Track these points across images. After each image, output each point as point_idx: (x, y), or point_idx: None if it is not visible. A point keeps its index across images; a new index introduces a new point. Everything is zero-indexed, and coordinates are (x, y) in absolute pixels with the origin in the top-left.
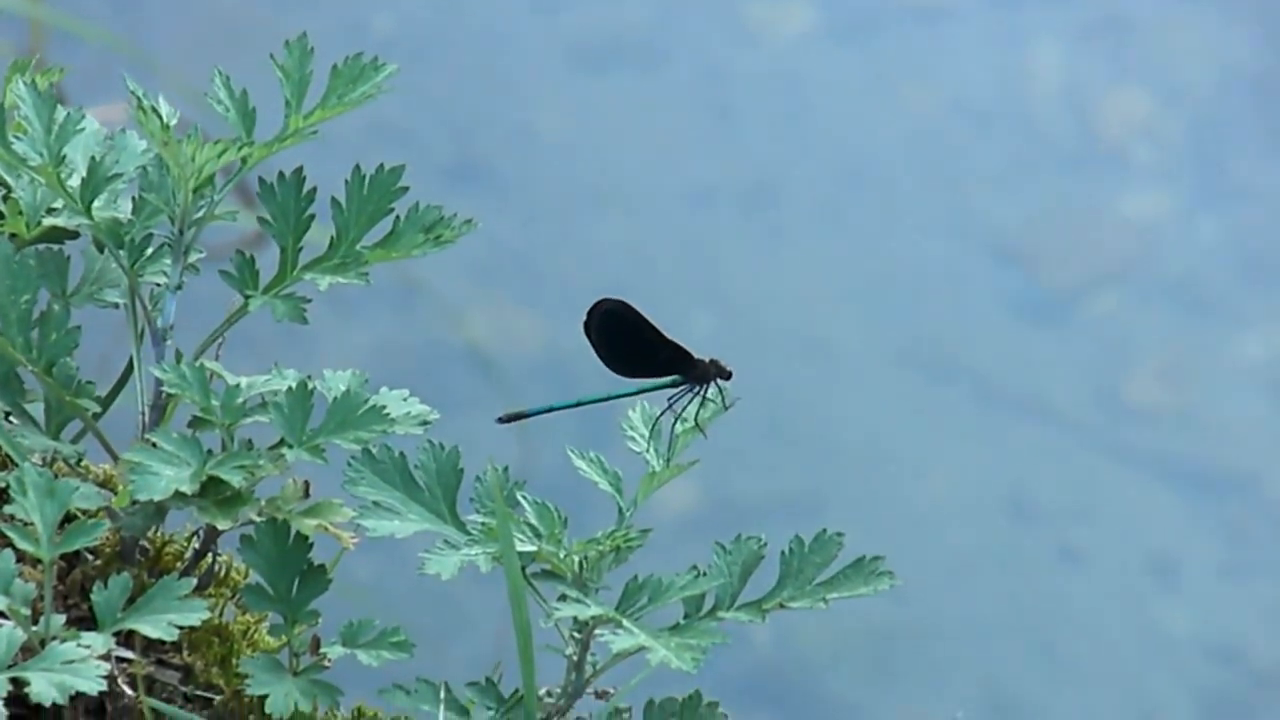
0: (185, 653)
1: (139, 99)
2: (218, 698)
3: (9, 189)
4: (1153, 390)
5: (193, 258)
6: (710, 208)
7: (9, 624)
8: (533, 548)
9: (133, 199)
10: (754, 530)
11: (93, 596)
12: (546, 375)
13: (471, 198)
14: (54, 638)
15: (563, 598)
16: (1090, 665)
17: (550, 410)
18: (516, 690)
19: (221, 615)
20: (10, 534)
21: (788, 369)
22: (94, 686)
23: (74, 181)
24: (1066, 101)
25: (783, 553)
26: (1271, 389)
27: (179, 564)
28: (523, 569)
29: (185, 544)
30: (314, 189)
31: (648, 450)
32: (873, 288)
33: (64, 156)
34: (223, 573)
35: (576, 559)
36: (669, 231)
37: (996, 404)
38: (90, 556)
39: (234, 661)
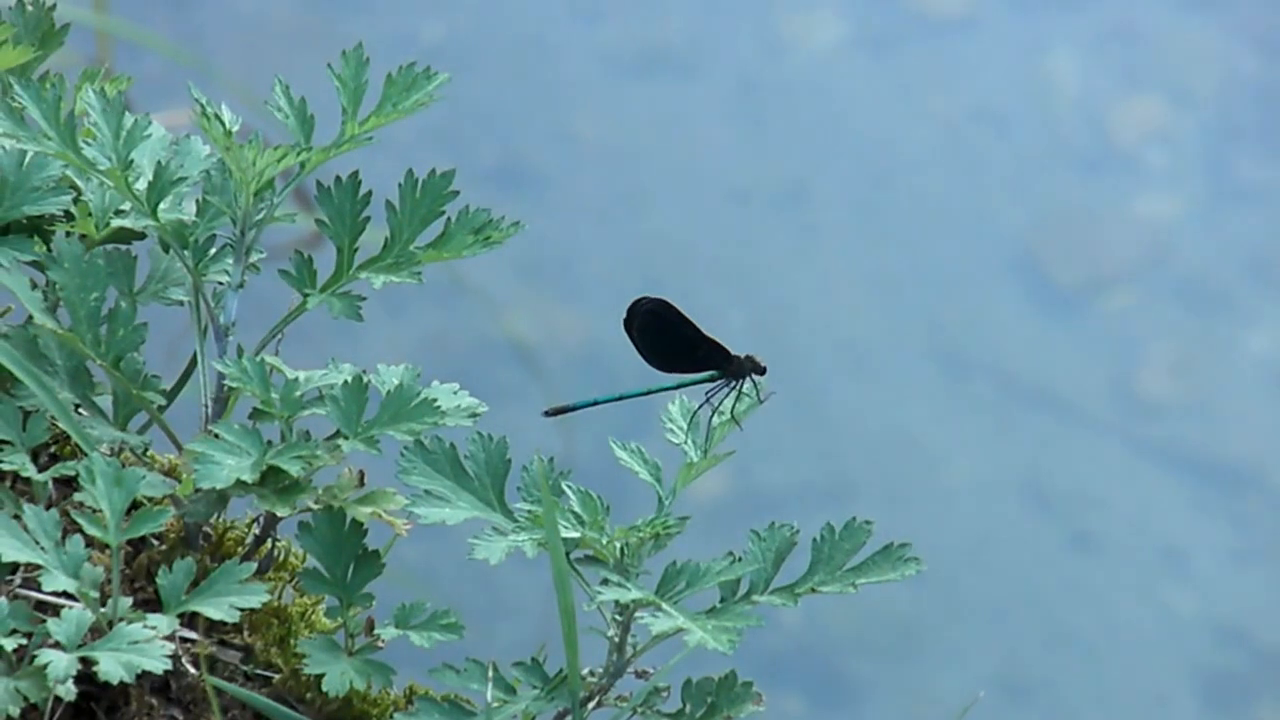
0: (246, 634)
1: (203, 106)
2: (276, 676)
3: (79, 192)
4: (1164, 384)
5: (253, 258)
6: (744, 209)
7: (79, 606)
8: (576, 534)
9: (196, 201)
10: (782, 517)
11: (158, 580)
12: (587, 369)
13: (515, 199)
14: (121, 619)
15: (605, 582)
16: (1102, 647)
17: (594, 404)
18: (560, 670)
19: (280, 598)
20: (80, 520)
21: (817, 362)
22: (159, 666)
23: (141, 185)
24: (1082, 108)
25: (814, 540)
26: (1277, 383)
27: (240, 549)
28: (567, 554)
29: (246, 530)
30: (369, 192)
31: (686, 442)
32: (898, 285)
33: (131, 161)
34: (281, 558)
35: (618, 545)
36: (705, 232)
37: (1015, 396)
38: (156, 542)
39: (292, 642)
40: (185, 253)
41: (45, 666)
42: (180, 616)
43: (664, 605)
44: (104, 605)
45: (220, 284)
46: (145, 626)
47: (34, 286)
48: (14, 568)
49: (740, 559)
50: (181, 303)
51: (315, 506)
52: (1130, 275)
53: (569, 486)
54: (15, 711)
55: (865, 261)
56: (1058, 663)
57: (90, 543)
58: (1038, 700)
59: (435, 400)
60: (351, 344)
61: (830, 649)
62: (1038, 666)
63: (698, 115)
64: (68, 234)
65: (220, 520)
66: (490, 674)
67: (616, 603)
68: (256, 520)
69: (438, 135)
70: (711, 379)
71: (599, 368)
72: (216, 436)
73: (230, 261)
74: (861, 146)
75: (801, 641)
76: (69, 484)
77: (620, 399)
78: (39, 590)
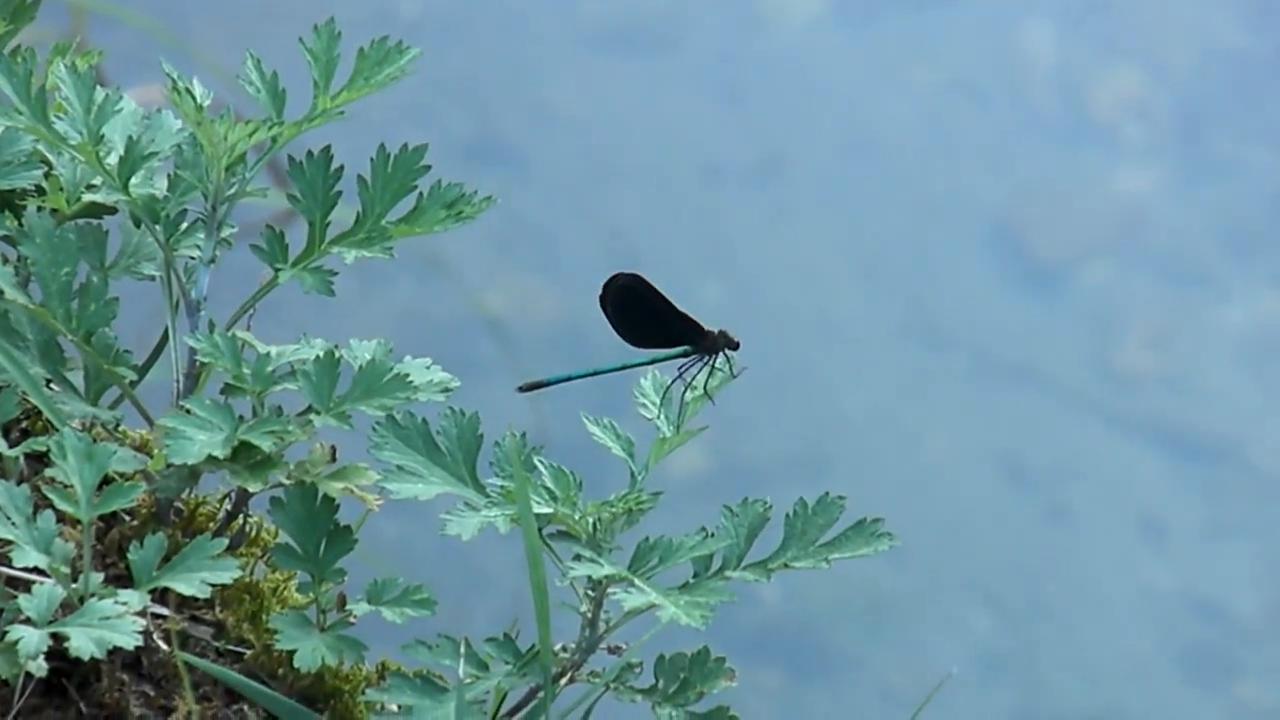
0: (218, 609)
1: (174, 81)
2: (248, 652)
3: (51, 167)
4: (1141, 358)
5: (225, 232)
6: (720, 183)
7: (50, 582)
8: (549, 510)
9: (168, 176)
10: (758, 492)
11: (129, 556)
12: (562, 343)
13: (491, 173)
14: (92, 595)
15: (577, 558)
16: (1080, 619)
17: (567, 379)
18: (533, 646)
19: (252, 574)
20: (51, 496)
21: (792, 337)
22: (130, 641)
23: (112, 160)
24: (1059, 80)
25: (787, 515)
26: (1254, 357)
27: (211, 525)
28: (539, 530)
29: (218, 506)
30: (341, 167)
31: (659, 417)
32: (874, 260)
33: (103, 136)
34: (253, 533)
35: (591, 520)
36: (681, 206)
37: (991, 371)
38: (127, 517)
39: (264, 618)
40: (157, 228)
41: (16, 643)
42: (152, 592)
43: (637, 581)
44: (75, 581)
45: (192, 259)
46: (116, 602)
47: (5, 261)
48: None
49: (713, 535)
50: (153, 278)
51: (287, 482)
52: (1107, 248)
53: (541, 462)
54: None
55: (842, 235)
56: (1035, 635)
57: (61, 518)
58: (1015, 672)
59: (408, 375)
60: (325, 319)
61: (808, 623)
62: (1015, 639)
63: (674, 89)
64: (39, 209)
65: (192, 495)
66: (463, 650)
67: (589, 578)
68: (228, 496)
69: (413, 109)
70: (685, 354)
71: (574, 342)
72: (188, 412)
73: (202, 236)
74: (838, 120)
75: (779, 615)
76: (40, 459)
77: (594, 374)
78: (10, 566)
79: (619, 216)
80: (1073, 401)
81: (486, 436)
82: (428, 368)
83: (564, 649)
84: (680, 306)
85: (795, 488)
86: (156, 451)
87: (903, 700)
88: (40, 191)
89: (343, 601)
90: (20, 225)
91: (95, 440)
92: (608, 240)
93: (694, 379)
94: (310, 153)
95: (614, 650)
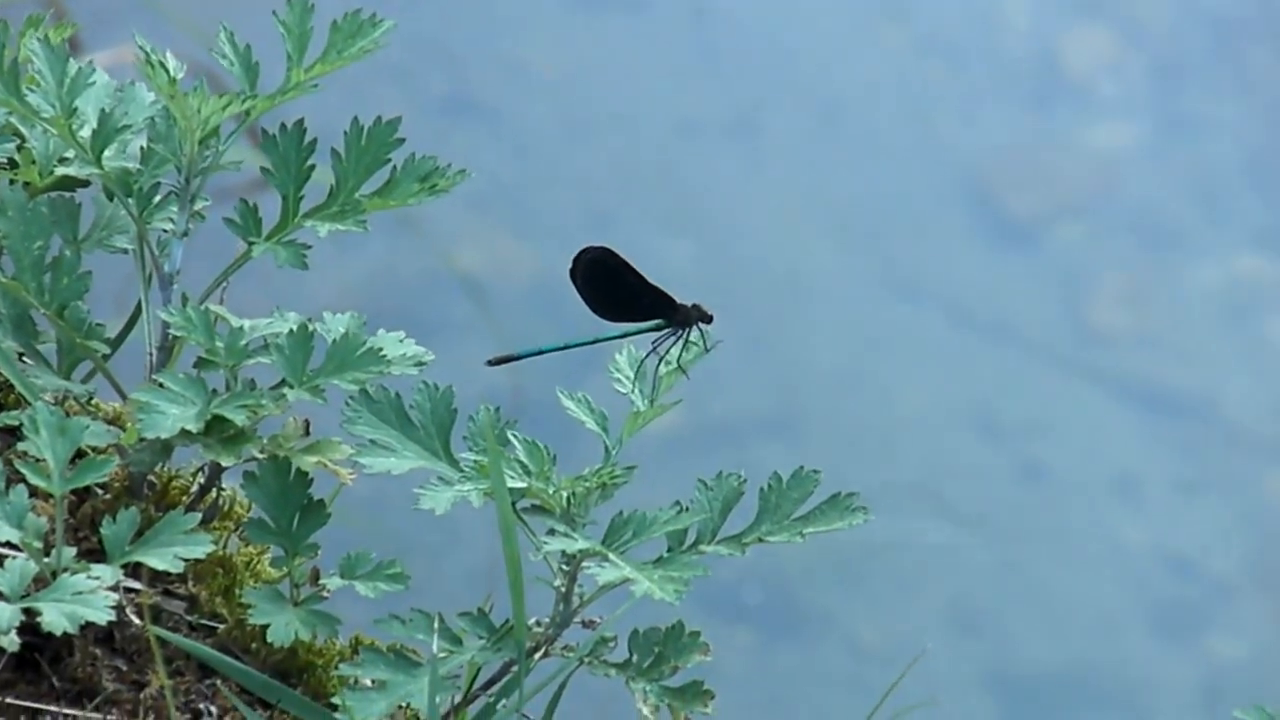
0: (190, 584)
1: (147, 54)
2: (221, 627)
3: (23, 140)
4: (1115, 315)
5: (199, 205)
6: (694, 141)
7: (22, 556)
8: (523, 484)
9: (141, 149)
10: (735, 449)
11: (102, 530)
12: (538, 303)
13: (465, 131)
14: (65, 570)
15: (551, 532)
16: (1053, 576)
17: (538, 353)
18: (507, 620)
19: (225, 548)
20: (23, 470)
21: (766, 294)
22: (103, 616)
23: (85, 132)
24: (1033, 38)
25: (761, 489)
26: (1227, 314)
27: (185, 498)
28: (513, 504)
29: (191, 479)
30: (314, 140)
31: (633, 391)
32: (848, 217)
33: (75, 108)
34: (227, 507)
35: (565, 495)
36: (654, 163)
37: (965, 327)
38: (100, 491)
39: (237, 592)
40: (130, 201)
41: None
42: (125, 567)
43: (611, 555)
44: (48, 555)
45: (165, 232)
46: (89, 577)
47: None
48: None
49: (687, 509)
50: (126, 251)
51: (260, 456)
52: (1081, 206)
53: (515, 436)
54: None
55: (816, 193)
56: (1008, 592)
57: (34, 492)
58: (988, 629)
59: (381, 349)
60: (299, 279)
61: (781, 580)
62: (988, 596)
63: (648, 46)
64: (11, 182)
65: (165, 469)
66: (436, 625)
67: (563, 553)
68: (201, 469)
69: (387, 67)
70: (658, 328)
71: (551, 301)
72: (161, 386)
73: (175, 209)
74: (812, 77)
75: (752, 573)
76: (12, 433)
77: (565, 348)
78: None
79: (594, 173)
80: (1046, 358)
81: (461, 398)
82: (401, 341)
83: (538, 624)
84: (651, 280)
85: (769, 444)
86: (129, 425)
87: (875, 657)
88: (13, 165)
89: (316, 576)
90: None
91: (68, 414)
92: (582, 197)
93: (668, 353)
94: (283, 125)
95: (588, 625)
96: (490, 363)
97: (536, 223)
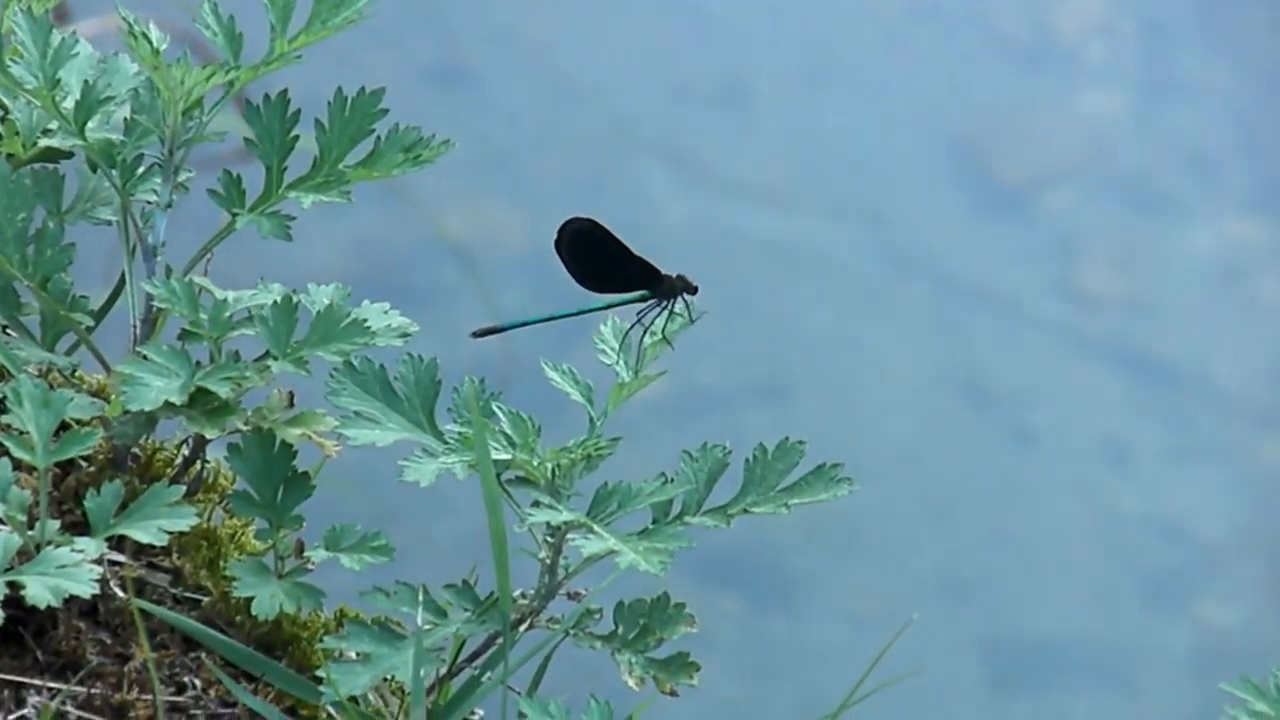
0: (175, 556)
1: (130, 25)
2: (205, 599)
3: (6, 111)
4: (1105, 280)
5: (182, 177)
6: (684, 106)
7: (5, 529)
8: (507, 456)
9: (124, 120)
10: (723, 416)
11: (86, 503)
12: (528, 270)
13: (455, 97)
14: (49, 543)
15: (536, 504)
16: (1043, 543)
17: (523, 325)
18: (492, 592)
19: (210, 520)
20: (6, 443)
21: (755, 260)
22: (87, 590)
23: (68, 104)
24: (1022, 2)
25: (746, 460)
26: (1217, 279)
27: (169, 471)
28: (498, 476)
29: (175, 452)
30: (298, 111)
31: (618, 362)
32: (837, 182)
33: (59, 80)
34: (211, 479)
35: (549, 466)
36: (644, 128)
37: (954, 294)
38: (84, 464)
39: (222, 564)
40: (113, 172)
41: None
42: (109, 540)
43: (595, 527)
44: (31, 528)
45: (149, 204)
46: (73, 550)
47: None
48: None
49: (672, 480)
50: (110, 223)
51: (245, 428)
52: (1071, 171)
53: (499, 408)
54: None
55: (805, 158)
56: (998, 559)
57: (17, 465)
58: (978, 597)
59: (365, 320)
60: (287, 247)
61: (771, 549)
62: (978, 563)
63: (638, 11)
64: None
65: (149, 442)
66: (421, 597)
67: (548, 524)
68: (186, 442)
69: (378, 34)
70: (642, 299)
71: (540, 268)
72: (145, 358)
73: (159, 181)
74: (802, 42)
75: (741, 540)
76: None
77: (550, 319)
78: None
79: (583, 138)
80: (1036, 324)
81: (455, 363)
82: (386, 312)
83: (523, 595)
84: (636, 251)
85: (758, 411)
86: (113, 398)
87: (865, 624)
88: None
89: (301, 548)
90: None
91: (51, 386)
92: (572, 162)
93: (652, 324)
94: (267, 96)
95: (573, 596)
96: (475, 334)
97: (526, 189)
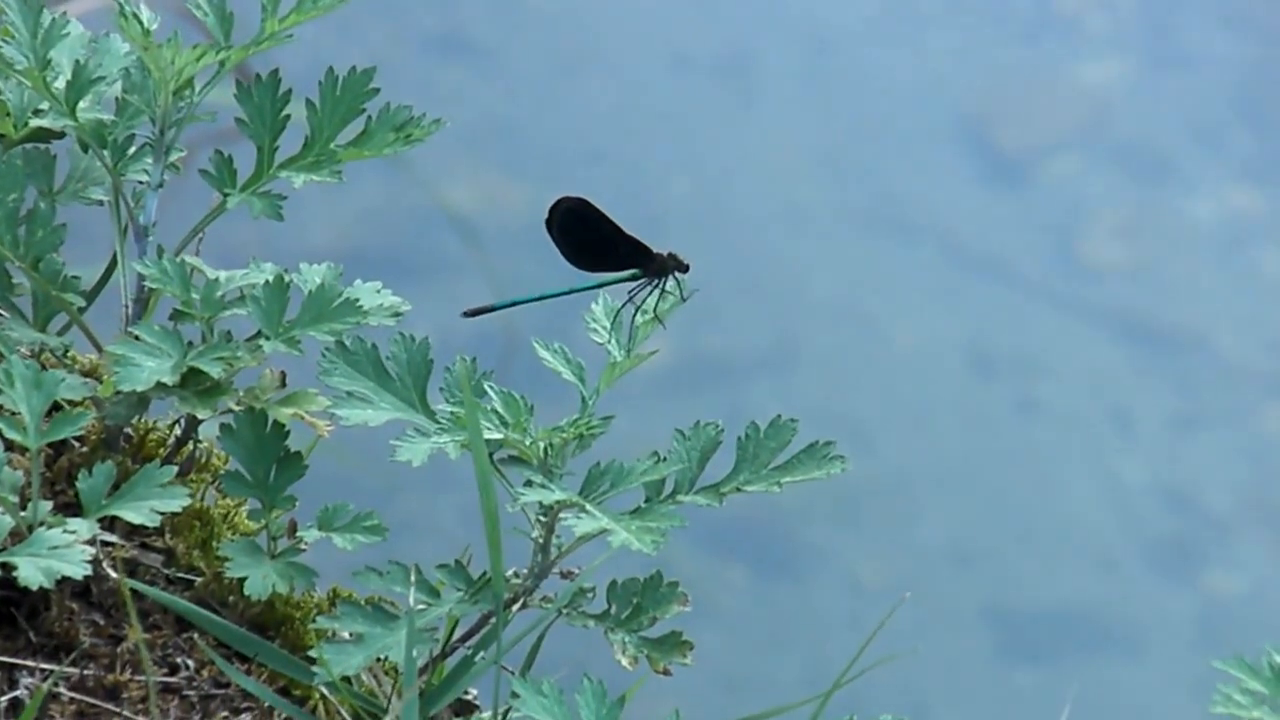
0: (167, 537)
1: (121, 6)
2: (198, 580)
3: None
4: (1108, 249)
5: (173, 157)
6: (687, 77)
7: None
8: (499, 435)
9: (115, 100)
10: (727, 384)
11: (78, 484)
12: (530, 242)
13: (457, 68)
14: (41, 524)
15: (528, 483)
16: (1048, 513)
17: (514, 304)
18: (484, 572)
19: (202, 500)
20: None
21: (760, 229)
22: (79, 571)
23: (59, 84)
24: None
25: (739, 438)
26: (1220, 248)
27: (161, 451)
28: (490, 455)
29: (167, 432)
30: (289, 91)
31: (609, 342)
32: (841, 152)
33: (49, 60)
34: (203, 459)
35: (542, 446)
36: (648, 99)
37: (958, 263)
38: (76, 444)
39: (214, 545)
40: (104, 152)
41: None
42: (101, 520)
43: (588, 506)
44: (23, 510)
45: (140, 184)
46: (65, 531)
47: None
48: None
49: (665, 459)
50: (101, 203)
51: (237, 408)
52: (1073, 140)
53: (491, 387)
54: None
55: (809, 129)
56: (1004, 529)
57: (10, 446)
58: (984, 566)
59: (357, 300)
60: (288, 218)
61: (777, 519)
62: (983, 533)
63: None
64: None
65: (141, 422)
66: (414, 577)
67: (540, 504)
68: (178, 422)
69: (378, 4)
70: (634, 278)
71: (542, 240)
72: (136, 338)
73: (150, 161)
74: (805, 12)
75: (745, 511)
76: None
77: (541, 299)
78: None
79: (586, 109)
80: (1040, 293)
81: (455, 336)
82: (378, 291)
83: (516, 575)
84: (627, 230)
85: (762, 380)
86: (105, 378)
87: (870, 594)
88: None
89: (293, 528)
90: None
91: (43, 367)
92: (574, 133)
93: (644, 303)
94: (258, 76)
95: (566, 575)
96: (466, 314)
97: (529, 161)
